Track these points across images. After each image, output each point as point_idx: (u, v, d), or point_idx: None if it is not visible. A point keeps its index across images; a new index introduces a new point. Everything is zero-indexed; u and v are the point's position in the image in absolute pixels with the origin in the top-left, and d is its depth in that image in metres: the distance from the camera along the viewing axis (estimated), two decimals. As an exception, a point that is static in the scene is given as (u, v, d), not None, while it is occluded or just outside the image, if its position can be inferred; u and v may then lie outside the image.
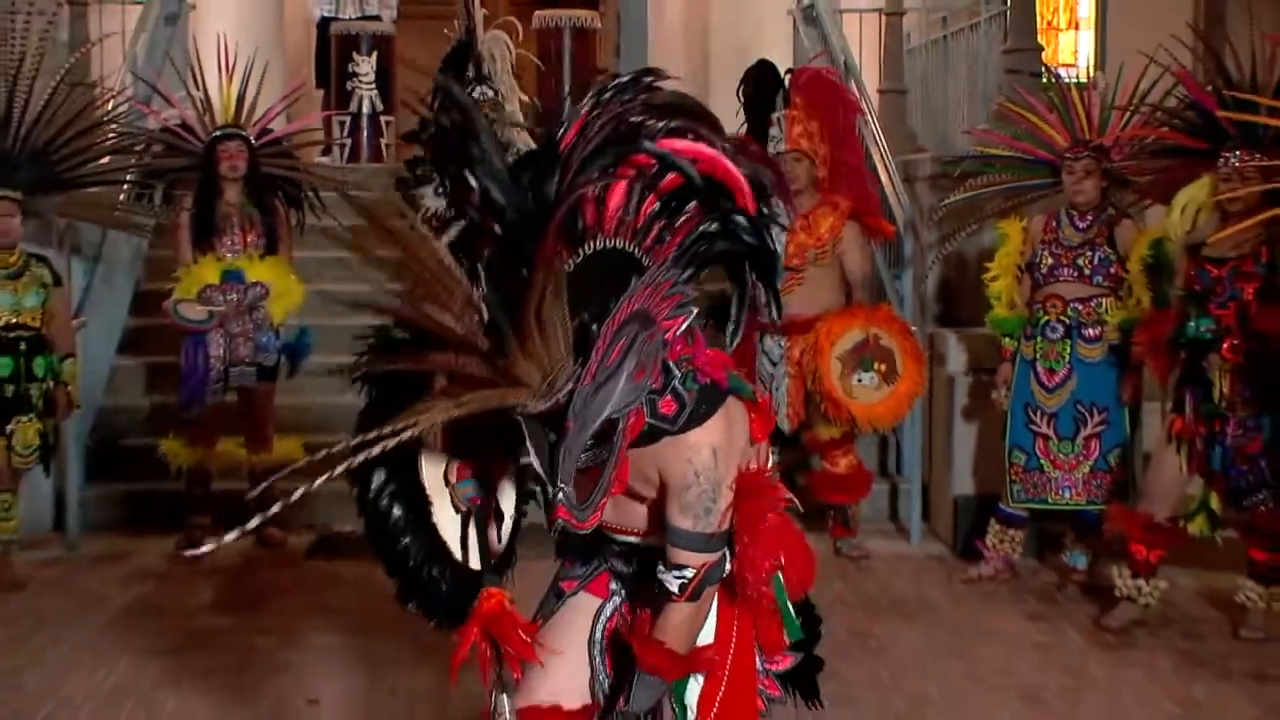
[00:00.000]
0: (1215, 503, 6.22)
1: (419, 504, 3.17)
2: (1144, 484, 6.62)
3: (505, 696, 3.11)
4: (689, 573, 2.90)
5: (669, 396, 2.82)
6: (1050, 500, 6.94)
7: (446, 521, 3.20)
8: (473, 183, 2.75)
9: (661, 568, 2.92)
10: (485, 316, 2.62)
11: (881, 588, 7.04)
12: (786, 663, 3.28)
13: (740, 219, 2.83)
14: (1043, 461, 6.91)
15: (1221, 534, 6.33)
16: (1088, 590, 6.85)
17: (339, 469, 2.52)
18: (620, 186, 2.75)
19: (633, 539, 3.10)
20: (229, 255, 7.55)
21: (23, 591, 6.87)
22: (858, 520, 7.74)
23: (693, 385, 2.85)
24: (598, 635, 3.19)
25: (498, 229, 2.73)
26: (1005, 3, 9.39)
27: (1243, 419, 6.04)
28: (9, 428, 6.85)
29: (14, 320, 6.83)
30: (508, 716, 3.11)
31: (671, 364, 2.82)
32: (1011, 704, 5.39)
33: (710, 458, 2.85)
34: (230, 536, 2.42)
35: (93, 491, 8.08)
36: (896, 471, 8.33)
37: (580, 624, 3.20)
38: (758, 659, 3.20)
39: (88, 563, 7.45)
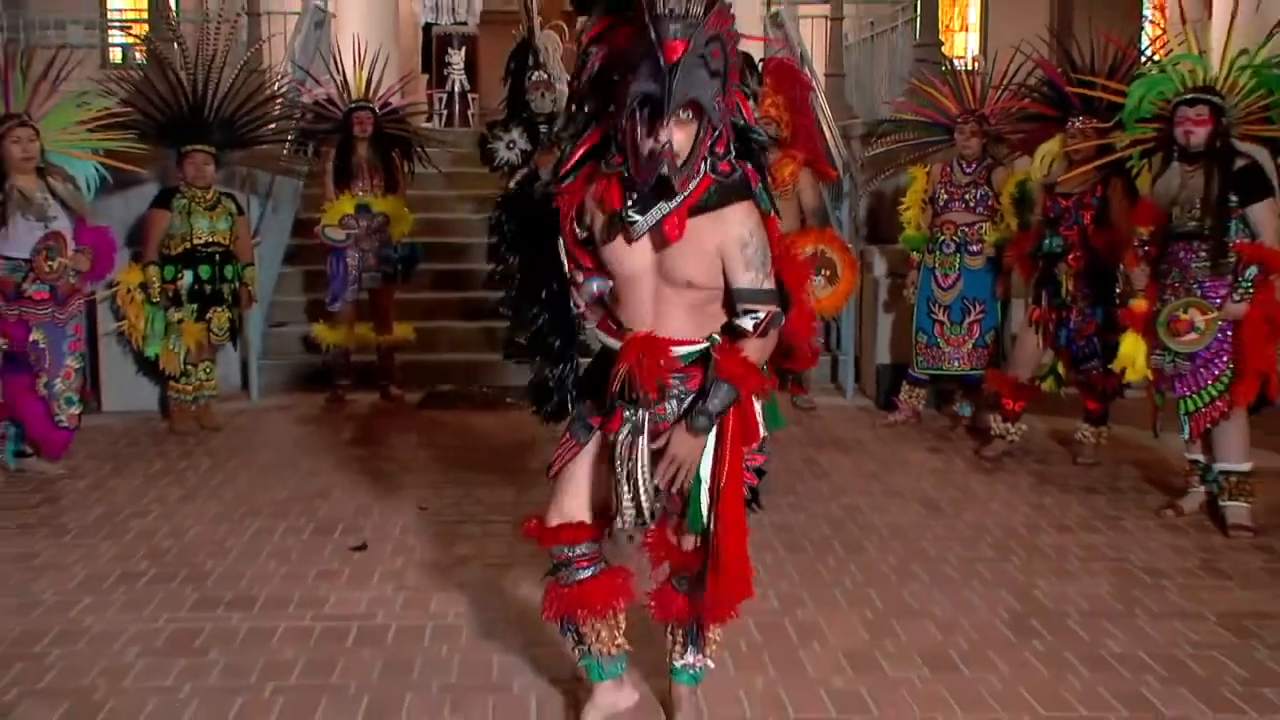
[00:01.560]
0: (1061, 368, 6.28)
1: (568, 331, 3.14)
2: (1011, 355, 6.61)
3: (643, 411, 2.94)
4: (761, 313, 2.86)
5: (726, 162, 2.84)
6: (945, 367, 6.95)
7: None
8: None
9: (739, 315, 2.87)
10: None
11: (825, 429, 7.05)
12: (760, 460, 3.18)
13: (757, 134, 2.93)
14: (939, 340, 6.90)
15: (1065, 391, 6.36)
16: (971, 431, 6.86)
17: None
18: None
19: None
20: (360, 193, 7.54)
21: (220, 431, 6.93)
22: (809, 382, 7.73)
23: (739, 168, 2.87)
24: (616, 454, 2.97)
25: None
26: (916, 11, 9.36)
27: (1082, 309, 6.05)
28: (208, 315, 6.89)
29: (211, 239, 6.84)
30: (644, 424, 2.95)
31: (732, 143, 2.85)
32: (917, 510, 5.42)
33: (757, 222, 2.85)
34: None
35: (267, 361, 8.11)
36: (837, 347, 8.31)
37: (599, 454, 3.07)
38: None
39: (264, 411, 7.49)
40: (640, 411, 2.95)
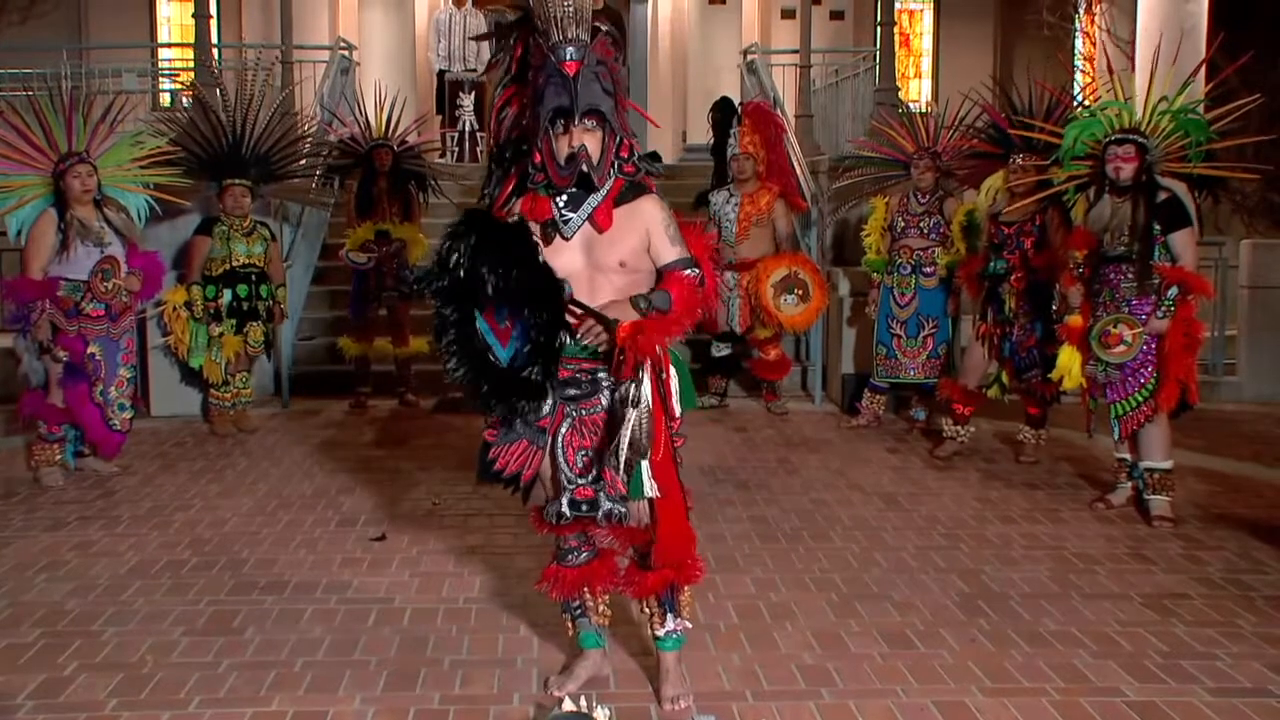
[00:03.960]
0: (1005, 377, 6.24)
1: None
2: (961, 366, 6.61)
3: (644, 388, 2.94)
4: (696, 270, 3.03)
5: (630, 164, 3.04)
6: (902, 377, 6.94)
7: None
8: None
9: (682, 273, 3.02)
10: None
11: (796, 431, 7.06)
12: (677, 425, 3.14)
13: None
14: (897, 352, 6.91)
15: (1009, 397, 6.34)
16: (925, 433, 6.86)
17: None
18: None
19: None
20: (380, 221, 7.56)
21: (255, 433, 6.92)
22: (782, 389, 7.76)
23: (641, 170, 3.07)
24: (559, 445, 3.04)
25: None
26: (876, 60, 9.39)
27: (1023, 324, 6.05)
28: (245, 329, 6.88)
29: (247, 261, 6.83)
30: (645, 399, 2.94)
31: (632, 150, 3.04)
32: (877, 504, 5.42)
33: (667, 209, 3.07)
34: None
35: (297, 370, 8.08)
36: (806, 358, 8.32)
37: (550, 449, 3.07)
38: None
39: (295, 415, 7.48)
40: (579, 407, 3.04)
